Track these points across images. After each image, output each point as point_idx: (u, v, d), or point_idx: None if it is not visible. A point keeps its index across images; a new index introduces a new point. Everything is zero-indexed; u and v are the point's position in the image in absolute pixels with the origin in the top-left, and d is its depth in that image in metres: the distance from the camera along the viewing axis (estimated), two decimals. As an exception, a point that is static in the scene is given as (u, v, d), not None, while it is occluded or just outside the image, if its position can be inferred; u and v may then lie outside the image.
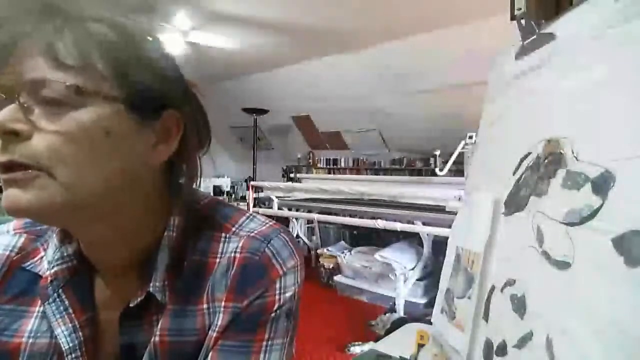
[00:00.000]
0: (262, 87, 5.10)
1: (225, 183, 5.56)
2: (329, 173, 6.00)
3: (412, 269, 2.74)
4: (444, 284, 0.76)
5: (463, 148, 2.83)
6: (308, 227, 4.30)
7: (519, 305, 0.49)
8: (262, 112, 5.29)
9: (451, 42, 3.27)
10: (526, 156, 0.55)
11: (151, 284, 0.41)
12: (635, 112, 0.39)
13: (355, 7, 2.91)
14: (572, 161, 0.45)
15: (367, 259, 3.05)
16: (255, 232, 0.46)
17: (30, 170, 0.34)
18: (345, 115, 5.00)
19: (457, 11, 2.89)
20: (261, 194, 3.91)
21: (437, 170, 3.31)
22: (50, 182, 0.34)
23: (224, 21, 3.22)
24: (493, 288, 0.56)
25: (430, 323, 0.79)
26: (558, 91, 0.52)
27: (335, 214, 3.21)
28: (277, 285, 0.44)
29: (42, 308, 0.43)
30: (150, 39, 0.41)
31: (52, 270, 0.43)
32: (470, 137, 2.68)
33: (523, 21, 0.64)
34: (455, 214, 0.85)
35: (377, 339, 2.10)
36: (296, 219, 3.91)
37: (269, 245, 0.44)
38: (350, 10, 2.98)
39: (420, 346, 1.44)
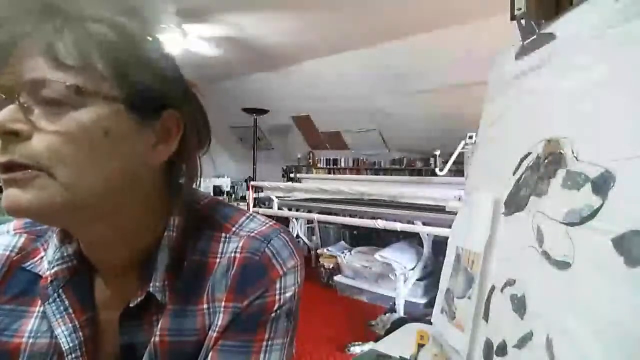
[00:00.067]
0: (262, 87, 5.09)
1: (225, 183, 5.56)
2: (329, 173, 6.00)
3: (412, 269, 2.74)
4: (444, 284, 0.76)
5: (463, 148, 2.83)
6: (308, 227, 4.30)
7: (519, 305, 0.49)
8: (262, 112, 5.29)
9: (451, 42, 3.27)
10: (526, 156, 0.55)
11: (151, 284, 0.41)
12: (635, 112, 0.39)
13: (355, 7, 2.91)
14: (572, 161, 0.45)
15: (367, 259, 3.05)
16: (256, 232, 0.45)
17: (30, 170, 0.34)
18: (345, 115, 5.00)
19: (457, 11, 2.89)
20: (261, 194, 3.90)
21: (437, 170, 3.31)
22: (50, 182, 0.34)
23: (225, 21, 3.22)
24: (493, 288, 0.56)
25: (430, 323, 0.79)
26: (558, 91, 0.52)
27: (335, 214, 3.21)
28: (277, 286, 0.44)
29: (42, 308, 0.43)
30: (150, 39, 0.41)
31: (52, 270, 0.43)
32: (470, 137, 2.68)
33: (523, 21, 0.64)
34: (455, 214, 0.85)
35: (377, 339, 2.10)
36: (296, 219, 3.91)
37: (269, 245, 0.44)
38: (350, 10, 2.98)
39: (420, 346, 1.44)
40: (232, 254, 0.44)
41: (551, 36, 0.56)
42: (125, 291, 0.43)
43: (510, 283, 0.52)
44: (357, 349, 2.13)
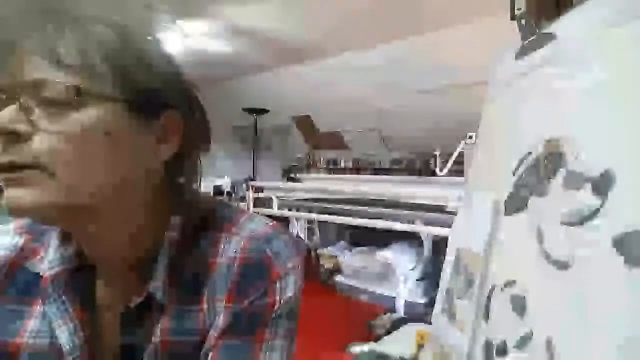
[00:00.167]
0: (262, 87, 5.09)
1: (225, 183, 5.55)
2: (329, 173, 5.99)
3: (412, 269, 2.74)
4: (444, 284, 0.76)
5: (463, 148, 2.83)
6: (308, 227, 4.30)
7: (519, 305, 0.49)
8: (262, 112, 5.29)
9: (451, 42, 3.27)
10: (526, 156, 0.55)
11: (152, 284, 0.42)
12: (635, 112, 0.39)
13: (355, 7, 2.91)
14: (572, 161, 0.45)
15: (367, 259, 3.05)
16: (256, 232, 0.46)
17: (31, 171, 0.34)
18: (345, 115, 5.00)
19: (457, 11, 2.89)
20: (261, 194, 3.90)
21: (437, 170, 3.31)
22: (50, 183, 0.35)
23: (224, 22, 3.22)
24: (493, 288, 0.56)
25: (430, 323, 0.79)
26: (558, 91, 0.52)
27: (335, 214, 3.20)
28: (278, 286, 0.44)
29: (42, 308, 0.43)
30: (150, 39, 0.41)
31: (53, 271, 0.43)
32: (470, 137, 2.67)
33: (523, 21, 0.64)
34: (455, 214, 0.85)
35: (377, 339, 2.10)
36: (296, 219, 3.91)
37: (269, 245, 0.45)
38: (350, 10, 2.97)
39: (420, 346, 1.44)
40: (233, 254, 0.44)
41: (551, 36, 0.56)
42: (126, 291, 0.43)
43: (510, 283, 0.52)
44: (357, 349, 2.13)
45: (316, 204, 3.47)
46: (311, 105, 5.16)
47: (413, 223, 2.59)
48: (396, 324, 2.20)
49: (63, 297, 0.43)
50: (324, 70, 4.29)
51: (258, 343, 0.42)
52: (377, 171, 5.59)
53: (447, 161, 3.16)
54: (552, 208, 0.47)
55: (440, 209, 2.43)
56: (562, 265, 0.43)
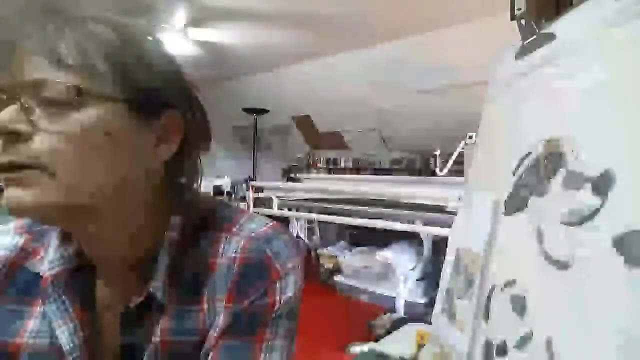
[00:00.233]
0: (262, 87, 5.10)
1: (225, 183, 5.55)
2: (329, 173, 5.99)
3: (412, 269, 2.74)
4: (444, 284, 0.76)
5: (463, 148, 2.83)
6: (308, 227, 4.30)
7: (519, 305, 0.49)
8: (262, 112, 5.29)
9: (451, 42, 3.27)
10: (526, 156, 0.55)
11: (152, 284, 0.41)
12: (635, 112, 0.39)
13: (355, 7, 2.91)
14: (572, 161, 0.45)
15: (367, 259, 3.05)
16: (256, 232, 0.46)
17: (31, 171, 0.34)
18: (345, 115, 5.00)
19: (457, 11, 2.89)
20: (261, 194, 3.90)
21: (437, 170, 3.31)
22: (51, 182, 0.35)
23: (225, 21, 3.22)
24: (493, 288, 0.56)
25: (430, 323, 0.79)
26: (558, 91, 0.52)
27: (335, 214, 3.20)
28: (278, 286, 0.44)
29: (42, 308, 0.43)
30: (151, 38, 0.41)
31: (53, 271, 0.43)
32: (470, 137, 2.67)
33: (523, 21, 0.64)
34: (455, 214, 0.85)
35: (377, 339, 2.10)
36: (296, 219, 3.91)
37: (269, 245, 0.45)
38: (350, 10, 2.97)
39: (420, 346, 1.44)
40: (233, 255, 0.44)
41: (551, 36, 0.56)
42: (126, 291, 0.43)
43: (510, 283, 0.52)
44: (357, 349, 2.13)
45: (316, 204, 3.47)
46: (311, 105, 5.16)
47: (413, 223, 2.59)
48: (396, 324, 2.20)
49: (63, 297, 0.43)
50: (324, 70, 4.29)
51: (258, 343, 0.42)
52: (377, 171, 5.59)
53: (447, 161, 3.16)
54: (552, 208, 0.47)
55: (440, 209, 2.43)
56: (562, 265, 0.43)
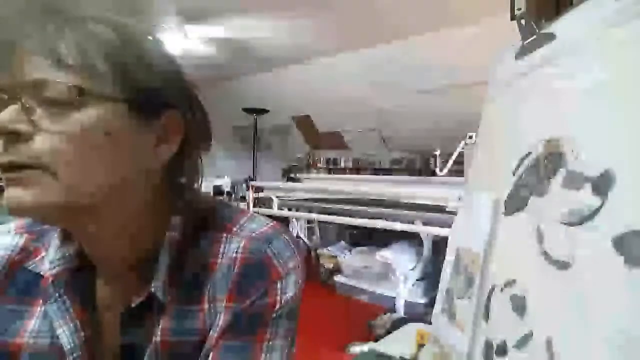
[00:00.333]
0: (262, 87, 5.10)
1: (225, 183, 5.55)
2: (329, 173, 5.99)
3: (412, 269, 2.75)
4: (444, 284, 0.76)
5: (463, 148, 2.83)
6: (308, 227, 4.30)
7: (519, 305, 0.49)
8: (262, 112, 5.30)
9: (451, 42, 3.27)
10: (526, 156, 0.55)
11: (153, 284, 0.41)
12: (635, 112, 0.39)
13: (355, 7, 2.91)
14: (572, 161, 0.45)
15: (367, 259, 3.05)
16: (257, 232, 0.46)
17: (32, 170, 0.34)
18: (345, 115, 5.00)
19: (457, 11, 2.89)
20: (261, 194, 3.90)
21: (437, 170, 3.31)
22: (52, 182, 0.35)
23: (225, 22, 3.22)
24: (493, 288, 0.56)
25: (430, 323, 0.79)
26: (558, 91, 0.52)
27: (335, 214, 3.21)
28: (278, 286, 0.44)
29: (43, 308, 0.43)
30: (151, 38, 0.41)
31: (54, 270, 0.43)
32: (470, 137, 2.67)
33: (523, 21, 0.64)
34: (455, 214, 0.85)
35: (377, 339, 2.10)
36: (296, 219, 3.91)
37: (270, 245, 0.45)
38: (351, 10, 2.97)
39: (420, 346, 1.44)
40: (234, 255, 0.44)
41: (551, 36, 0.56)
42: (127, 291, 0.43)
43: (510, 283, 0.52)
44: (357, 349, 2.13)
45: (316, 204, 3.47)
46: (311, 105, 5.16)
47: (413, 223, 2.59)
48: (396, 324, 2.21)
49: (64, 297, 0.43)
50: (324, 70, 4.29)
51: (258, 343, 0.42)
52: (377, 171, 5.59)
53: (447, 161, 3.16)
54: (552, 208, 0.47)
55: (440, 209, 2.43)
56: (562, 265, 0.43)
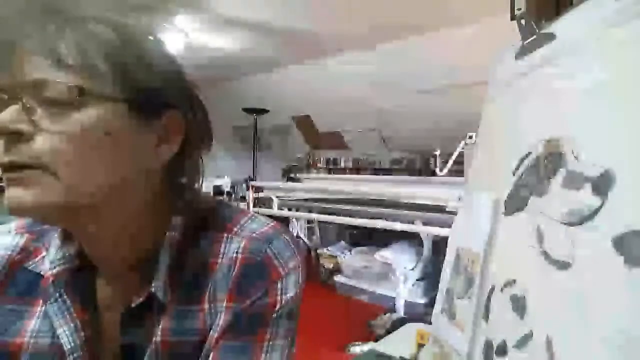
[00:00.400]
0: (262, 87, 5.10)
1: (225, 183, 5.55)
2: (329, 173, 6.00)
3: (412, 269, 2.75)
4: (444, 284, 0.76)
5: (463, 148, 2.83)
6: (308, 227, 4.30)
7: (519, 305, 0.49)
8: (262, 112, 5.30)
9: (451, 42, 3.27)
10: (526, 156, 0.55)
11: (153, 284, 0.42)
12: (635, 112, 0.39)
13: (355, 7, 2.91)
14: (572, 161, 0.45)
15: (367, 259, 3.06)
16: (257, 232, 0.46)
17: (32, 170, 0.34)
18: (345, 115, 5.00)
19: (457, 11, 2.89)
20: (261, 194, 3.90)
21: (437, 170, 3.31)
22: (52, 182, 0.35)
23: (225, 22, 3.22)
24: (493, 288, 0.56)
25: (430, 323, 0.79)
26: (558, 91, 0.52)
27: (335, 214, 3.21)
28: (278, 286, 0.44)
29: (43, 308, 0.43)
30: (151, 38, 0.41)
31: (54, 270, 0.43)
32: (470, 137, 2.67)
33: (523, 21, 0.64)
34: (455, 214, 0.85)
35: (377, 339, 2.10)
36: (296, 219, 3.92)
37: (270, 246, 0.45)
38: (350, 10, 2.97)
39: (420, 346, 1.44)
40: (234, 255, 0.44)
41: (551, 36, 0.56)
42: (127, 291, 0.43)
43: (510, 283, 0.52)
44: (357, 349, 2.13)
45: (316, 204, 3.47)
46: (311, 105, 5.16)
47: (413, 223, 2.59)
48: (396, 324, 2.21)
49: (64, 296, 0.43)
50: (324, 70, 4.29)
51: (259, 343, 0.42)
52: (377, 171, 5.59)
53: (447, 161, 3.16)
54: (552, 208, 0.47)
55: (440, 209, 2.43)
56: (562, 265, 0.43)
